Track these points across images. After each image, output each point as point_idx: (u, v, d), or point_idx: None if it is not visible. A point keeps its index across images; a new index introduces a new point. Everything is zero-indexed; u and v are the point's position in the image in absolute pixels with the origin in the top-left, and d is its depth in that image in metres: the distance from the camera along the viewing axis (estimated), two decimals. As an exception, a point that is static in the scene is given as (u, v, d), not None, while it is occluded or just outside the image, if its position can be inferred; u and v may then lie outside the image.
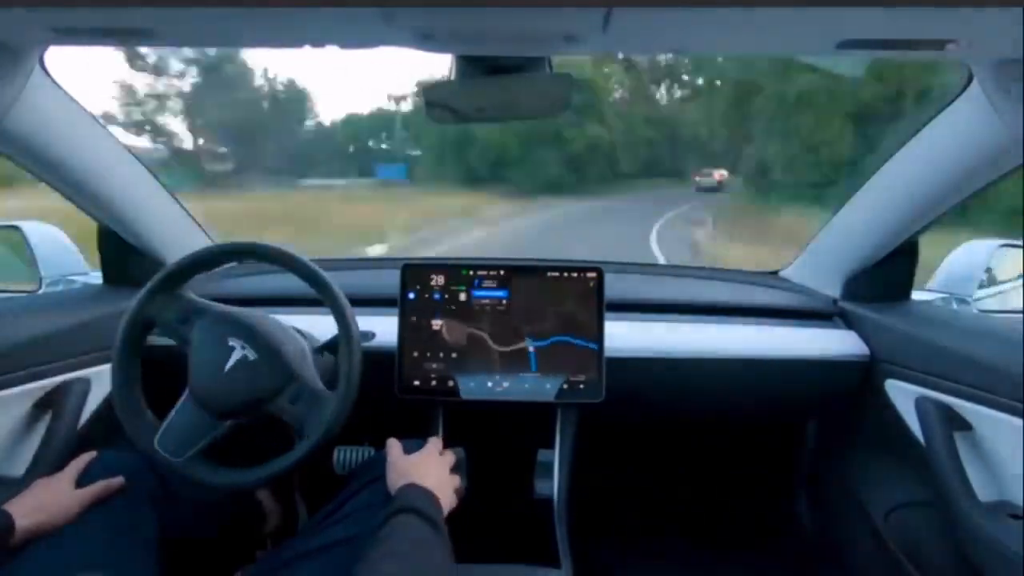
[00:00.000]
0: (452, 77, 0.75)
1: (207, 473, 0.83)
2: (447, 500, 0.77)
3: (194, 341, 0.85)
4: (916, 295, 1.20)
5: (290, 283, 0.97)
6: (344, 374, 0.85)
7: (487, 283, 1.03)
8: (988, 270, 1.26)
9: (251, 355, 0.84)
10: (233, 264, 1.32)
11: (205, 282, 1.25)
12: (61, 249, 1.33)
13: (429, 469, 0.80)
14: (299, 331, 0.95)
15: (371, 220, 10.87)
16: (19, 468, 0.89)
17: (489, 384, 1.01)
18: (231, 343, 0.85)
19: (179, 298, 0.89)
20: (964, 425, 0.87)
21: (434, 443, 0.86)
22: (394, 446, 0.84)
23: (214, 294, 1.21)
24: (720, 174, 18.42)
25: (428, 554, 0.64)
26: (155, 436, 0.83)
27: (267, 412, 0.84)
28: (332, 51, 0.66)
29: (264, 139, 19.72)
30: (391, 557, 0.62)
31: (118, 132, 1.00)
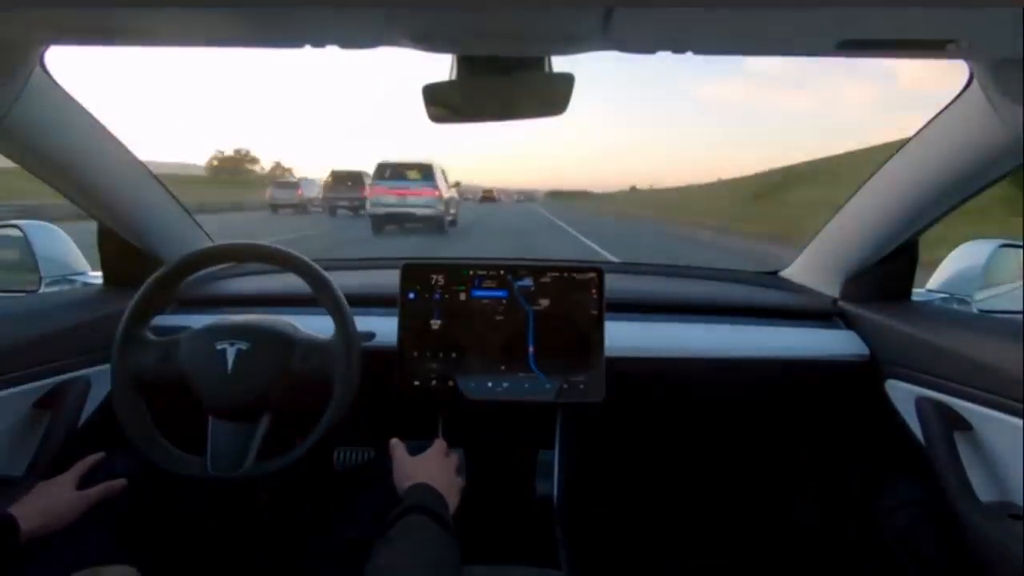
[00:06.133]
0: (452, 77, 0.75)
1: (274, 465, 0.84)
2: (454, 501, 0.77)
3: (186, 368, 0.86)
4: (916, 295, 1.20)
5: (289, 283, 0.97)
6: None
7: (487, 283, 1.03)
8: (988, 270, 1.26)
9: (243, 346, 0.85)
10: (232, 264, 1.32)
11: (205, 283, 1.25)
12: (61, 249, 1.33)
13: (436, 470, 0.80)
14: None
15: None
16: (19, 468, 0.89)
17: (489, 384, 1.00)
18: (219, 346, 0.85)
19: (150, 342, 0.88)
20: (964, 425, 0.87)
21: (439, 444, 0.86)
22: (398, 447, 0.84)
23: (214, 295, 1.21)
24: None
25: (440, 554, 0.65)
26: (206, 463, 0.84)
27: (290, 385, 0.86)
28: (332, 51, 0.66)
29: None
30: (403, 557, 0.62)
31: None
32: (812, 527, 1.31)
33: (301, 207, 20.04)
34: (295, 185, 21.01)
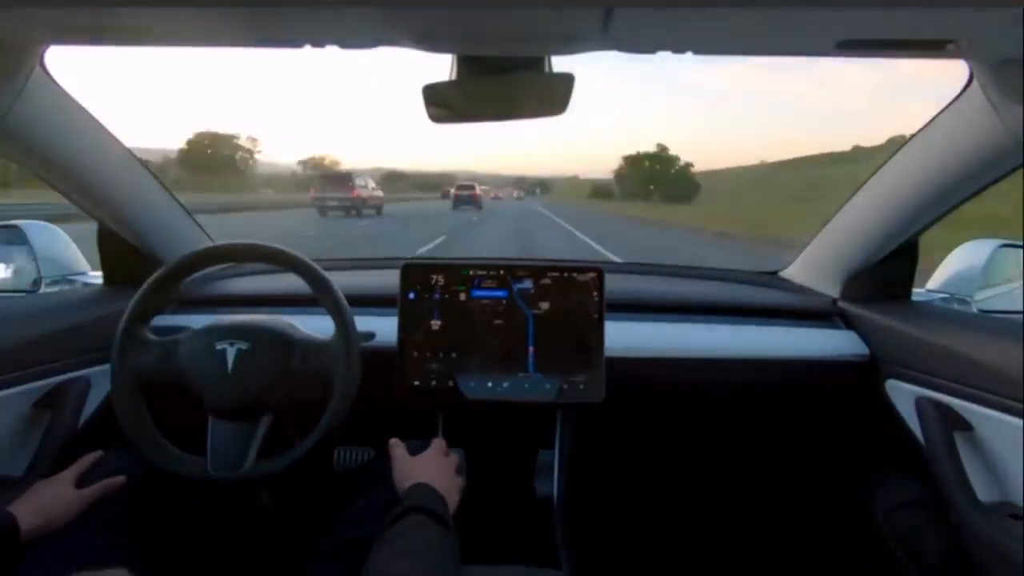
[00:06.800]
0: (452, 77, 0.75)
1: (275, 465, 0.84)
2: (454, 501, 0.77)
3: (186, 368, 0.85)
4: (916, 295, 1.20)
5: (289, 283, 0.97)
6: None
7: (487, 283, 1.03)
8: (988, 270, 1.26)
9: (243, 346, 0.85)
10: (232, 264, 1.32)
11: (205, 283, 1.25)
12: (61, 249, 1.33)
13: (435, 470, 0.80)
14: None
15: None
16: (19, 468, 0.89)
17: (489, 384, 1.00)
18: (219, 347, 0.85)
19: (150, 342, 0.89)
20: (964, 425, 0.87)
21: (438, 444, 0.86)
22: (397, 447, 0.84)
23: (213, 295, 1.21)
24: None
25: (440, 553, 0.65)
26: (206, 463, 0.84)
27: (291, 385, 0.86)
28: (332, 51, 0.66)
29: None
30: (403, 557, 0.62)
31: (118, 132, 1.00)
32: (812, 527, 1.31)
33: (355, 209, 18.27)
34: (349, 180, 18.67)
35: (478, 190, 27.79)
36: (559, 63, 0.74)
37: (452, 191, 27.42)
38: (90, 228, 1.13)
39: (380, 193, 21.21)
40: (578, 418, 1.10)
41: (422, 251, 9.32)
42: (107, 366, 0.88)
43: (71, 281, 1.29)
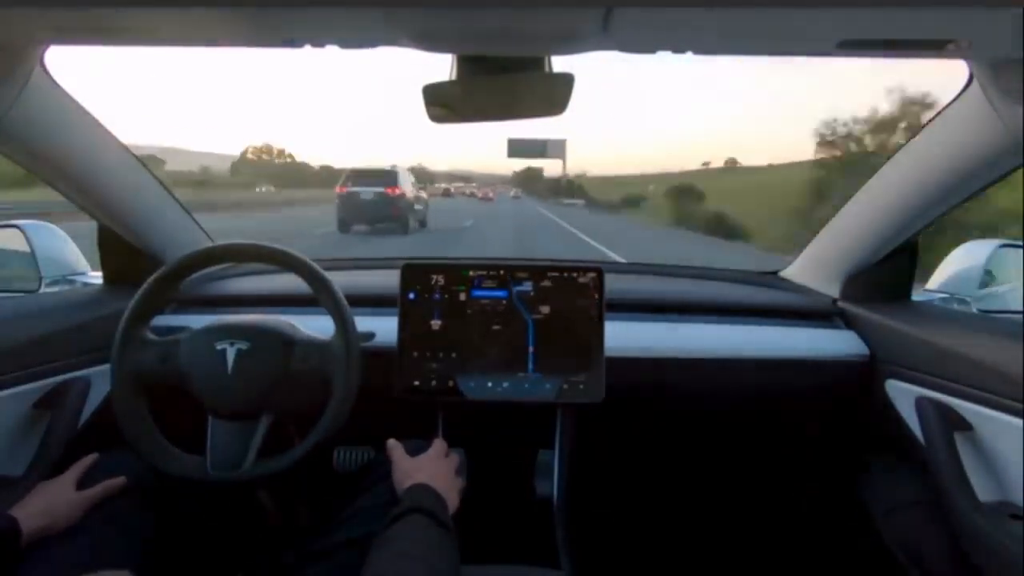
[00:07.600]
0: (452, 77, 0.75)
1: (275, 465, 0.84)
2: (453, 501, 0.77)
3: (186, 368, 0.85)
4: (916, 295, 1.20)
5: (289, 283, 0.97)
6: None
7: (487, 283, 1.03)
8: (988, 270, 1.26)
9: (244, 346, 0.85)
10: (232, 264, 1.32)
11: (205, 283, 1.25)
12: (61, 249, 1.33)
13: (435, 470, 0.80)
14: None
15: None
16: (19, 468, 0.89)
17: (489, 384, 1.00)
18: (219, 347, 0.85)
19: (150, 342, 0.89)
20: (964, 425, 0.87)
21: (439, 445, 0.86)
22: (396, 448, 0.84)
23: (213, 295, 1.21)
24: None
25: (438, 554, 0.65)
26: (206, 463, 0.84)
27: (291, 385, 0.86)
28: (332, 51, 0.66)
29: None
30: (402, 557, 0.62)
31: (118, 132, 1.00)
32: (812, 527, 1.31)
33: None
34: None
35: (408, 187, 12.83)
36: (559, 63, 0.74)
37: (337, 187, 12.89)
38: (90, 228, 1.13)
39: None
40: (578, 418, 1.10)
41: (467, 224, 12.30)
42: (107, 366, 0.88)
43: (71, 281, 1.29)
